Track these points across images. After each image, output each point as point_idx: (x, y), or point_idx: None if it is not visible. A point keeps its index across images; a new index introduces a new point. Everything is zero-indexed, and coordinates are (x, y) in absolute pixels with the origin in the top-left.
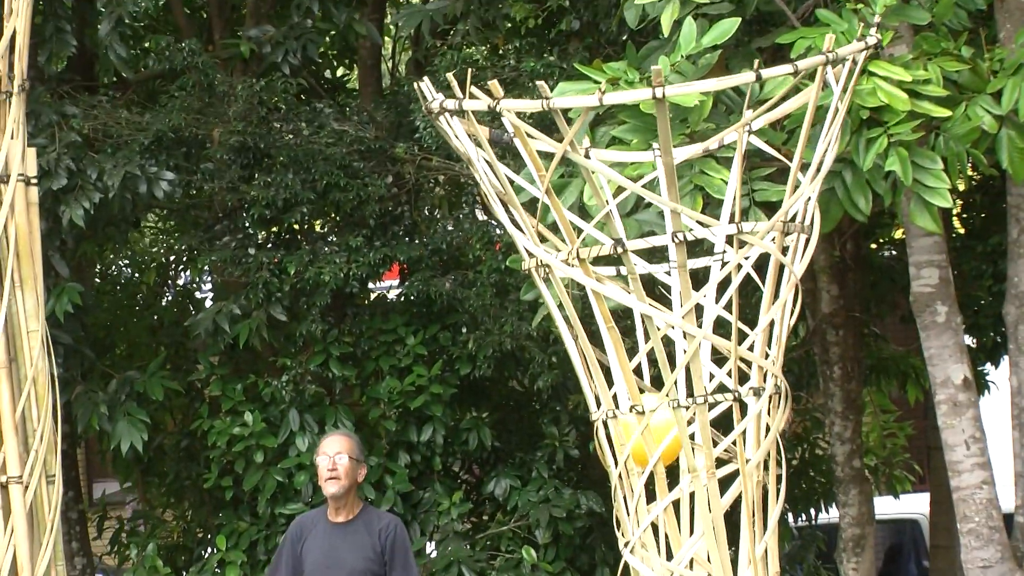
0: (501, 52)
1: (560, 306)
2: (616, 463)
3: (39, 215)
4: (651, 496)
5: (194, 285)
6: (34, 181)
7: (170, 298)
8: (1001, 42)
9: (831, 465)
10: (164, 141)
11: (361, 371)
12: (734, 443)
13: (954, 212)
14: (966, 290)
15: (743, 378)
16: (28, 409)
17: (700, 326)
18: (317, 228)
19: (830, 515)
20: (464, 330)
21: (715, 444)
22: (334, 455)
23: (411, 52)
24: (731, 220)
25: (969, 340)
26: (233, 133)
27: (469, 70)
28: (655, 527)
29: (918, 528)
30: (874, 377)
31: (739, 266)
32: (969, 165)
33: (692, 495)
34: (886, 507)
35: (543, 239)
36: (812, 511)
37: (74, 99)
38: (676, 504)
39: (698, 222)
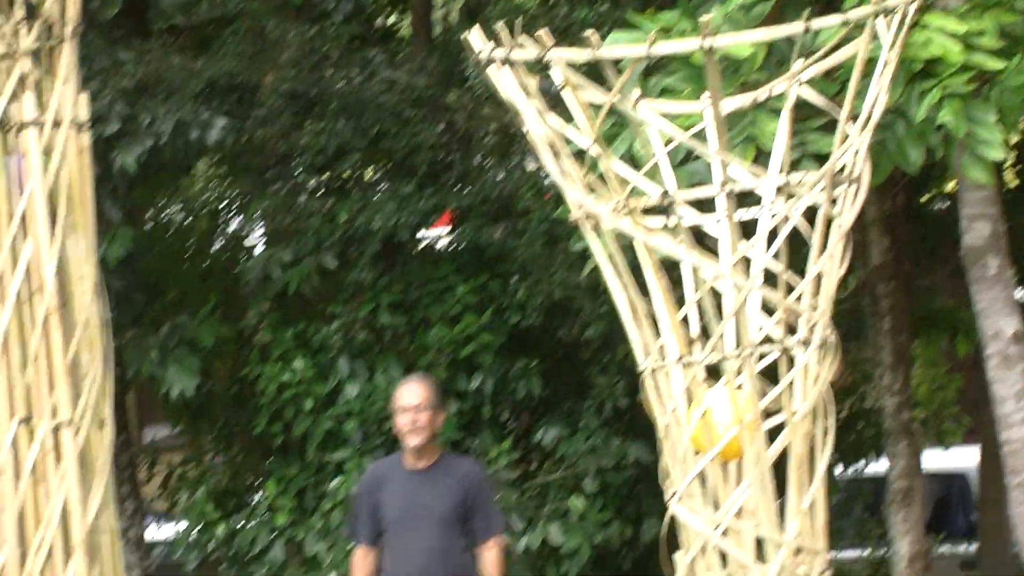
0: (553, 1)
1: (608, 257)
2: (664, 413)
3: (91, 161)
4: None
5: (245, 232)
6: (86, 127)
7: (221, 245)
8: None
9: (880, 417)
10: (216, 87)
11: (411, 319)
12: (781, 395)
13: (1007, 164)
14: (1018, 243)
15: (791, 330)
16: (80, 354)
17: (748, 277)
18: (368, 176)
19: (878, 467)
20: (514, 279)
21: (763, 396)
22: (414, 410)
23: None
24: (780, 171)
25: (1020, 294)
26: (285, 80)
27: (520, 18)
28: (702, 478)
29: (966, 481)
30: (924, 330)
31: (787, 217)
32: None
33: None
34: (934, 460)
35: (592, 190)
36: (860, 463)
37: (127, 45)
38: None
39: (747, 173)
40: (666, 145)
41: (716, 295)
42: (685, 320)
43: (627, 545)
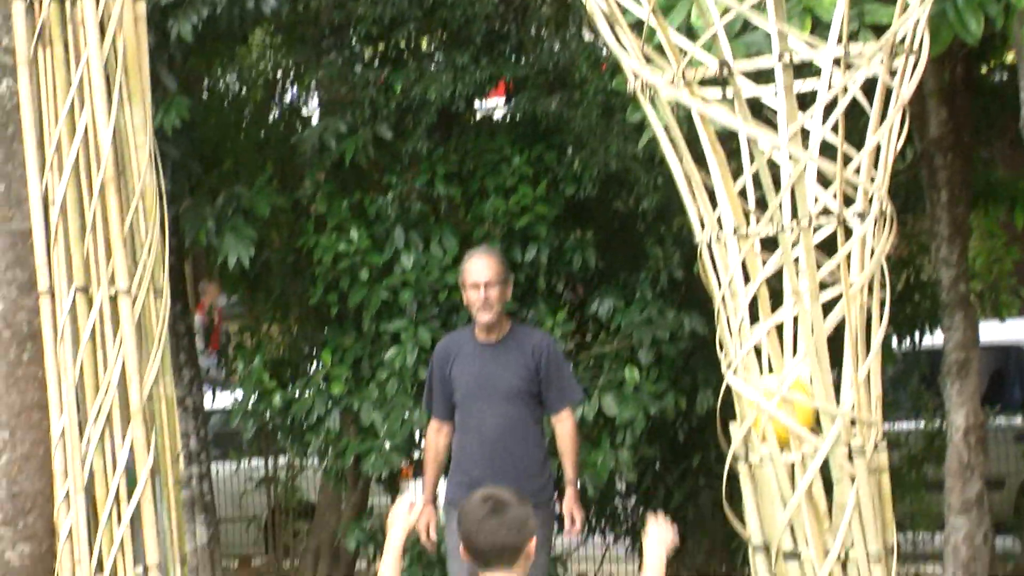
0: None
1: (665, 128)
2: (720, 285)
3: (147, 29)
4: (754, 318)
5: (301, 102)
6: None
7: (277, 115)
8: None
9: (936, 289)
10: None
11: (466, 190)
12: (838, 267)
13: None
14: None
15: (848, 201)
16: (136, 222)
17: (805, 149)
18: (423, 46)
19: (934, 339)
20: (569, 150)
21: (819, 267)
22: (484, 286)
23: None
24: (839, 42)
25: None
26: None
27: None
28: (758, 350)
29: (1023, 354)
30: (981, 202)
31: (846, 89)
32: None
33: (795, 318)
34: (991, 332)
35: (648, 60)
36: (916, 335)
37: None
38: (779, 327)
39: (805, 44)
40: (723, 15)
41: (773, 167)
42: (742, 192)
43: (682, 416)
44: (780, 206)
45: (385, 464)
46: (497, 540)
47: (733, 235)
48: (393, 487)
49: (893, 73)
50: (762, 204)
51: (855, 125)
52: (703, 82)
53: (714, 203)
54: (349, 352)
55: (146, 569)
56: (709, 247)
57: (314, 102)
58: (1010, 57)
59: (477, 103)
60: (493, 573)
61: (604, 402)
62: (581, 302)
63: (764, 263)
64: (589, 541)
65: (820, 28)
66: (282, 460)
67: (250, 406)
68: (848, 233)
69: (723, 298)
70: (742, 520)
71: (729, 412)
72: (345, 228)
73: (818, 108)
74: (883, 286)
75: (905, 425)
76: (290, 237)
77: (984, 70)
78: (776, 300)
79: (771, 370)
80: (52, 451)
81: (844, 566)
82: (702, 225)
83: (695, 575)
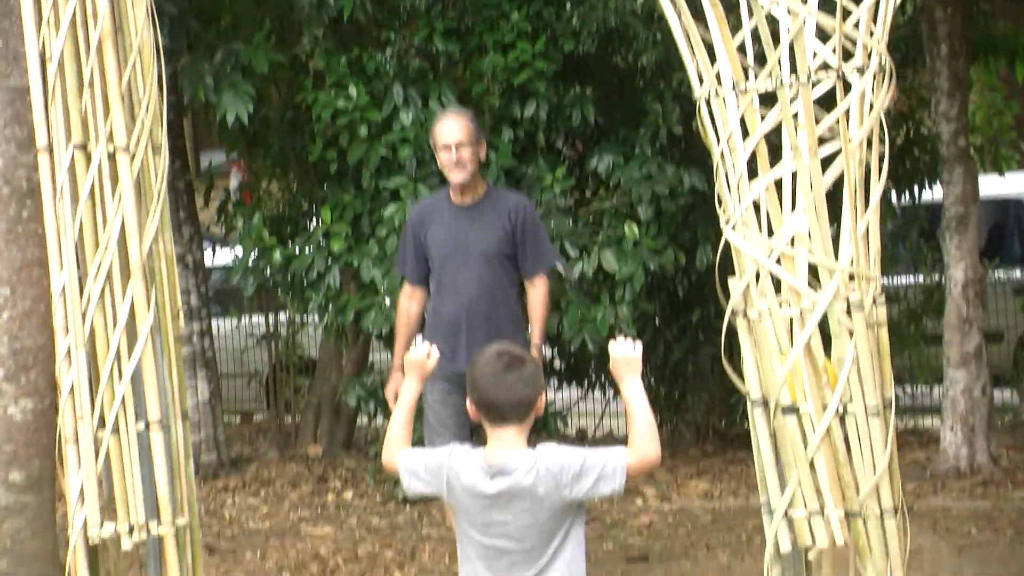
0: None
1: None
2: (718, 140)
3: None
4: (753, 174)
5: None
6: None
7: None
8: None
9: (936, 143)
10: None
11: (465, 46)
12: (837, 121)
13: None
14: None
15: (847, 56)
16: (134, 79)
17: (804, 2)
18: None
19: (934, 194)
20: (568, 5)
21: (818, 122)
22: (455, 147)
23: None
24: None
25: None
26: None
27: None
28: (756, 205)
29: (1022, 207)
30: (981, 55)
31: None
32: None
33: (794, 173)
34: (990, 186)
35: None
36: (916, 189)
37: None
38: (778, 182)
39: None
40: None
41: (772, 21)
42: (741, 47)
43: (681, 272)
44: (779, 61)
45: (385, 321)
46: (515, 395)
47: (732, 90)
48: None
49: None
50: (761, 59)
51: None
52: None
53: (713, 58)
54: (348, 209)
55: (148, 425)
56: (708, 103)
57: None
58: None
59: None
60: (505, 428)
61: (604, 258)
62: (580, 158)
63: (763, 118)
64: (589, 396)
65: None
66: (283, 317)
67: (250, 263)
68: (847, 88)
69: (722, 153)
70: (741, 375)
71: (728, 267)
72: (344, 84)
73: None
74: (882, 140)
75: (904, 279)
76: (289, 93)
77: None
78: (775, 155)
79: (770, 227)
80: (53, 308)
81: (842, 420)
82: (701, 81)
83: (694, 429)
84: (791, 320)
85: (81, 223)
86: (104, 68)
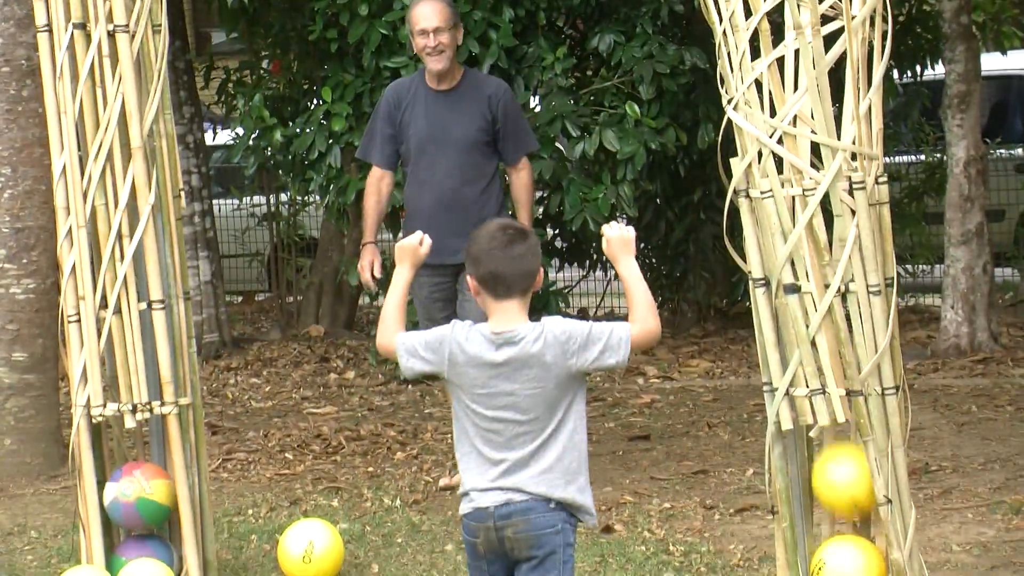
0: None
1: None
2: (721, 20)
3: None
4: (755, 53)
5: None
6: None
7: None
8: None
9: (938, 21)
10: None
11: None
12: None
13: None
14: None
15: None
16: None
17: None
18: None
19: (936, 72)
20: None
21: (820, 1)
22: (433, 32)
23: None
24: None
25: None
26: None
27: None
28: (759, 84)
29: None
30: None
31: None
32: None
33: (796, 52)
34: (992, 63)
35: None
36: (918, 68)
37: None
38: (780, 61)
39: None
40: None
41: None
42: None
43: (682, 151)
44: None
45: None
46: (521, 266)
47: None
48: (394, 224)
49: None
50: None
51: None
52: None
53: None
54: (350, 88)
55: (150, 304)
56: None
57: None
58: None
59: None
60: (510, 301)
61: (605, 137)
62: (581, 37)
63: None
64: (590, 276)
65: None
66: (284, 197)
67: (251, 142)
68: None
69: (724, 32)
70: (743, 254)
71: (730, 147)
72: None
73: None
74: (885, 18)
75: (906, 158)
76: None
77: None
78: (777, 34)
79: (772, 106)
80: (54, 188)
81: (844, 299)
82: None
83: (696, 308)
84: (793, 199)
85: (81, 103)
86: None
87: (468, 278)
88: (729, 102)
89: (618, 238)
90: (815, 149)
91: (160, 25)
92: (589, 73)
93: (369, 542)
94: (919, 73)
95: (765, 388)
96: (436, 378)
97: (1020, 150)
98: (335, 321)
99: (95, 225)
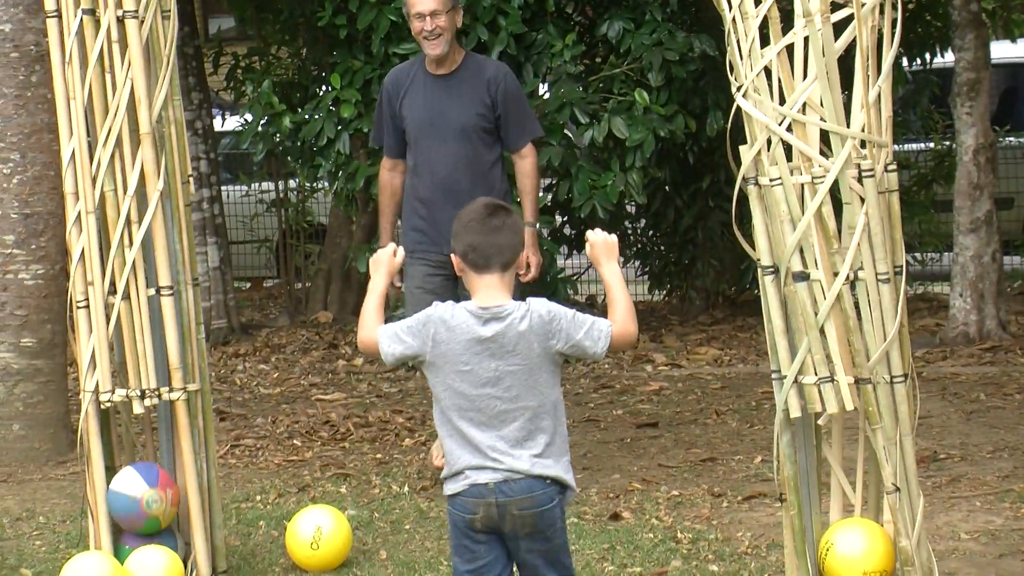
0: None
1: None
2: (730, 7)
3: None
4: (765, 40)
5: None
6: None
7: None
8: None
9: (948, 8)
10: None
11: None
12: None
13: None
14: None
15: None
16: None
17: None
18: None
19: (945, 59)
20: None
21: None
22: (430, 16)
23: None
24: None
25: None
26: None
27: None
28: (768, 71)
29: None
30: None
31: None
32: None
33: (806, 39)
34: (1002, 51)
35: None
36: (927, 55)
37: None
38: (790, 48)
39: None
40: None
41: None
42: None
43: (691, 138)
44: None
45: None
46: (500, 238)
47: None
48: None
49: None
50: None
51: None
52: None
53: None
54: (359, 75)
55: (159, 290)
56: None
57: None
58: None
59: None
60: (491, 274)
61: (614, 124)
62: (590, 24)
63: None
64: None
65: None
66: (292, 183)
67: (259, 128)
68: None
69: (734, 19)
70: (751, 242)
71: (739, 134)
72: None
73: None
74: (894, 6)
75: (915, 145)
76: None
77: None
78: (787, 21)
79: (782, 94)
80: (63, 173)
81: (852, 287)
82: None
83: (704, 296)
84: (802, 187)
85: (90, 89)
86: None
87: (452, 256)
88: (738, 89)
89: (602, 243)
90: (824, 137)
91: (169, 11)
92: (598, 60)
93: (377, 528)
94: (928, 61)
95: (773, 376)
96: (415, 368)
97: None
98: (343, 307)
99: (104, 211)
